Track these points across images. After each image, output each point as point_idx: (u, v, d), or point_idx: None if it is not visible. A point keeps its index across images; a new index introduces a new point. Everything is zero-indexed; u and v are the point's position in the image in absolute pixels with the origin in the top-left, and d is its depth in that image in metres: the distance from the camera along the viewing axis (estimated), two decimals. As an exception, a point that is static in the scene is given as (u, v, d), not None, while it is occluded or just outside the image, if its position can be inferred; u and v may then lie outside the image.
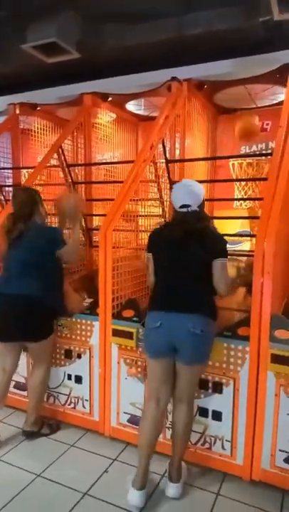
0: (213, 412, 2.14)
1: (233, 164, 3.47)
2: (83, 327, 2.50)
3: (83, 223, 3.31)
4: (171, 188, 2.90)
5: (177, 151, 3.09)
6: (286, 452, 1.98)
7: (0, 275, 2.42)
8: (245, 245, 3.28)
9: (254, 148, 3.59)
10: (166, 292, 2.00)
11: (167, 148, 2.90)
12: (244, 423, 2.05)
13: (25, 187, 2.65)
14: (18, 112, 3.73)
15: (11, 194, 3.72)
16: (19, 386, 2.75)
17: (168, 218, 3.02)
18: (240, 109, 3.52)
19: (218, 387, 2.11)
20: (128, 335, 2.28)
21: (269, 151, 3.34)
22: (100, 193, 3.44)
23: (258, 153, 3.53)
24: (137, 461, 1.99)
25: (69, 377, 2.58)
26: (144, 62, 3.51)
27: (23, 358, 2.63)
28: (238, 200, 3.45)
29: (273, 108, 3.33)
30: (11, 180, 3.96)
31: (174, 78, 2.98)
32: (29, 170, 3.52)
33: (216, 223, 3.41)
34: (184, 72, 3.16)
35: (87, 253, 3.42)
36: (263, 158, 3.37)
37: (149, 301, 2.07)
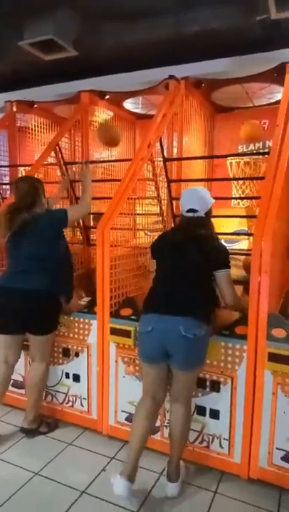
0: (211, 410, 2.15)
1: (231, 163, 3.47)
2: (81, 325, 2.50)
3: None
4: (168, 187, 2.91)
5: (175, 150, 3.09)
6: (283, 450, 1.99)
7: (7, 268, 2.40)
8: (243, 244, 3.28)
9: (251, 147, 3.59)
10: (160, 295, 1.99)
11: (165, 147, 2.89)
12: (242, 421, 2.06)
13: (27, 176, 2.63)
14: (15, 109, 3.72)
15: (7, 192, 3.72)
16: (17, 384, 2.74)
17: (165, 217, 3.02)
18: (237, 107, 3.52)
19: (215, 386, 2.12)
20: (126, 333, 2.28)
21: (266, 150, 3.34)
22: (98, 192, 3.43)
23: (255, 152, 3.53)
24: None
25: (67, 375, 2.59)
26: (142, 60, 3.50)
27: (22, 355, 2.62)
28: (236, 198, 3.45)
29: (271, 107, 3.34)
30: (8, 178, 3.94)
31: (171, 76, 2.97)
32: (26, 168, 3.50)
33: (214, 222, 3.44)
34: (181, 70, 3.15)
35: (85, 251, 3.42)
36: (261, 157, 3.37)
37: (143, 304, 2.07)
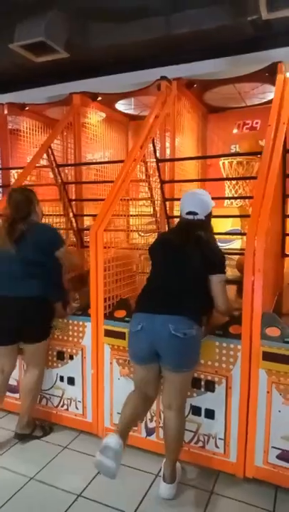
0: (206, 410, 2.15)
1: (224, 163, 3.48)
2: (75, 328, 2.49)
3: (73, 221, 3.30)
4: (161, 188, 2.91)
5: (167, 150, 3.09)
6: (279, 449, 1.99)
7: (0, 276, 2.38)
8: (237, 243, 3.29)
9: (244, 146, 3.60)
10: (152, 294, 1.98)
11: (157, 148, 2.89)
12: (237, 421, 2.06)
13: (20, 188, 2.64)
14: (6, 112, 3.70)
15: (0, 195, 3.70)
16: (11, 389, 2.72)
17: (159, 218, 3.02)
18: (230, 108, 3.53)
19: (210, 386, 2.12)
20: (120, 335, 2.28)
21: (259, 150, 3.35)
22: (91, 193, 3.42)
23: (248, 152, 3.54)
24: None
25: (61, 378, 2.57)
26: (134, 62, 3.51)
27: (16, 361, 2.60)
28: (229, 198, 3.46)
29: (263, 106, 3.35)
30: (0, 180, 3.92)
31: (163, 77, 2.97)
32: (18, 170, 3.49)
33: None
34: (173, 71, 3.17)
35: (79, 254, 3.41)
36: (253, 157, 3.38)
37: (135, 303, 2.06)
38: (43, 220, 2.85)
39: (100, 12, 3.09)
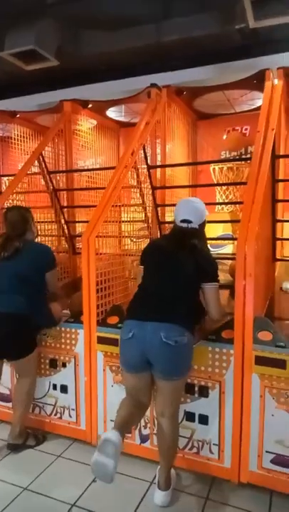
0: (200, 416, 2.15)
1: (214, 169, 3.51)
2: (68, 335, 2.48)
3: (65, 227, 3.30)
4: (153, 194, 2.92)
5: (158, 157, 3.11)
6: (273, 453, 1.99)
7: None
8: (228, 248, 3.31)
9: (234, 153, 3.64)
10: (144, 302, 1.97)
11: (148, 154, 2.91)
12: (231, 426, 2.06)
13: (16, 206, 2.68)
14: (-3, 119, 3.70)
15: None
16: (3, 398, 2.70)
17: (150, 223, 3.03)
18: (219, 114, 3.57)
19: (204, 391, 2.12)
20: (113, 342, 2.26)
21: (248, 156, 3.39)
22: (83, 200, 3.43)
23: (237, 157, 3.58)
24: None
25: (54, 387, 2.55)
26: (124, 69, 3.54)
27: (8, 369, 2.58)
28: (219, 204, 3.49)
29: (252, 113, 3.39)
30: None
31: (153, 85, 3.00)
32: (10, 177, 3.48)
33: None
34: (163, 78, 3.20)
35: (71, 260, 3.40)
36: (243, 162, 3.42)
37: (126, 310, 2.05)
38: (41, 239, 2.89)
39: (90, 20, 3.12)
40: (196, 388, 2.14)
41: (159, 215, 3.02)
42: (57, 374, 2.53)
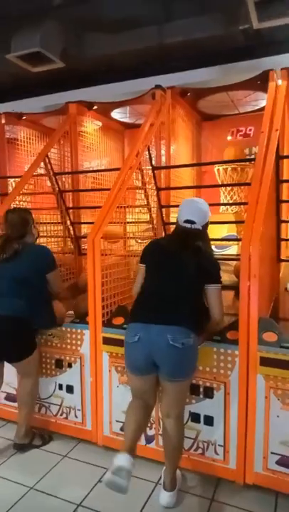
0: (205, 417, 2.15)
1: (218, 170, 3.52)
2: (73, 336, 2.50)
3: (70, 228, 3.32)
4: (157, 195, 2.93)
5: (163, 158, 3.12)
6: (278, 454, 1.99)
7: None
8: (233, 249, 3.31)
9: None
10: (149, 304, 1.95)
11: (153, 155, 2.92)
12: (236, 427, 2.06)
13: (17, 208, 2.68)
14: (3, 121, 3.74)
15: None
16: (10, 398, 2.72)
17: (155, 224, 3.04)
18: (223, 115, 3.57)
19: (209, 392, 2.12)
20: (119, 342, 2.27)
21: (253, 157, 3.39)
22: (88, 201, 3.45)
23: (241, 158, 3.58)
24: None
25: (60, 387, 2.57)
26: (128, 71, 3.55)
27: (14, 369, 2.60)
28: (224, 204, 3.49)
29: (256, 114, 3.39)
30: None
31: (157, 86, 3.01)
32: (16, 179, 3.51)
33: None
34: (167, 79, 3.21)
35: (77, 261, 3.42)
36: (247, 163, 3.41)
37: (130, 313, 2.04)
38: (41, 240, 2.88)
39: (94, 22, 3.14)
40: (201, 389, 2.14)
41: (164, 216, 3.03)
42: (63, 374, 2.55)
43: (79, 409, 2.51)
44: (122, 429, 2.34)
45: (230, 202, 3.46)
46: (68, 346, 2.52)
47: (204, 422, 2.15)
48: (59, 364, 2.55)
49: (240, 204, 3.39)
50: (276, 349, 1.93)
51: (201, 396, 2.14)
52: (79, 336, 2.48)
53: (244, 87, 2.96)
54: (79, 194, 3.43)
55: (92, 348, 2.41)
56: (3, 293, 2.28)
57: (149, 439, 2.29)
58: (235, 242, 3.19)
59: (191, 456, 2.20)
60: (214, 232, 3.16)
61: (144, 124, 2.89)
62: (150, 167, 2.88)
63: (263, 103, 3.14)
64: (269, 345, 1.94)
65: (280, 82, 2.70)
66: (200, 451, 2.18)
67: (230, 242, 3.25)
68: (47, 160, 3.14)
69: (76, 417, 2.52)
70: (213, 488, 2.12)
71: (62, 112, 3.46)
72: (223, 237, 3.22)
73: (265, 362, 1.94)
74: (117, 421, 2.38)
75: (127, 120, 3.90)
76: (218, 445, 2.13)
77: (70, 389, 2.53)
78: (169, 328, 1.82)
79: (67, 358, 2.52)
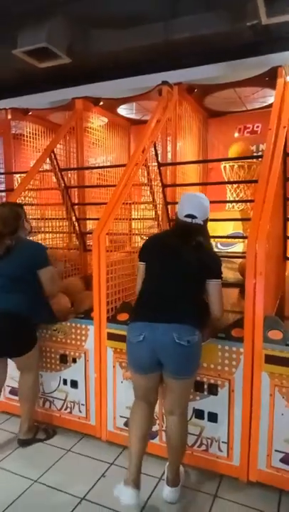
0: (209, 413, 2.15)
1: (225, 167, 3.50)
2: (78, 331, 2.50)
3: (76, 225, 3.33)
4: (163, 191, 2.93)
5: (169, 155, 3.11)
6: (282, 452, 1.99)
7: None
8: (239, 247, 3.31)
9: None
10: (151, 302, 1.92)
11: (159, 152, 2.92)
12: (240, 424, 2.06)
13: (8, 202, 2.64)
14: (9, 117, 3.74)
15: (4, 199, 3.73)
16: (15, 392, 2.73)
17: (161, 221, 3.03)
18: (230, 112, 3.55)
19: (213, 389, 2.12)
20: (123, 338, 2.25)
21: (260, 154, 3.37)
22: (93, 197, 3.45)
23: (248, 155, 3.56)
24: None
25: (64, 382, 2.58)
26: (135, 67, 3.54)
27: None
28: (230, 202, 3.48)
29: (263, 110, 3.37)
30: (3, 185, 3.96)
31: (164, 82, 3.00)
32: (22, 175, 3.52)
33: (209, 225, 3.45)
34: (174, 76, 3.20)
35: (82, 257, 3.43)
36: (254, 160, 3.40)
37: (132, 311, 2.02)
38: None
39: (101, 18, 3.13)
40: (206, 386, 2.14)
41: (170, 212, 3.02)
42: (67, 369, 2.56)
43: (83, 404, 2.52)
44: (125, 424, 2.35)
45: (237, 199, 3.45)
46: (73, 342, 2.53)
47: (208, 418, 2.15)
48: (63, 359, 2.56)
49: (246, 201, 3.37)
50: (281, 347, 1.92)
51: (206, 393, 2.15)
52: (83, 332, 2.48)
53: (252, 84, 2.94)
54: (84, 190, 3.43)
55: (96, 343, 2.41)
56: (1, 290, 2.25)
57: (153, 435, 2.29)
58: (241, 240, 3.18)
59: (195, 453, 2.20)
60: (220, 229, 3.16)
61: (151, 120, 2.89)
62: (156, 164, 2.88)
63: (270, 100, 3.12)
64: (274, 343, 1.94)
65: (288, 78, 2.68)
66: (204, 447, 2.18)
67: (236, 240, 3.24)
68: (53, 156, 3.14)
69: (80, 411, 2.54)
70: (216, 485, 2.13)
71: (69, 108, 3.46)
72: (228, 234, 3.21)
73: (270, 360, 1.94)
74: (121, 416, 2.38)
75: (133, 116, 3.89)
76: (222, 442, 2.13)
77: (74, 384, 2.54)
78: (174, 327, 1.81)
79: (72, 353, 2.53)
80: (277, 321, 2.02)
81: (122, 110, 3.75)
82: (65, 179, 3.28)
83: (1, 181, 4.02)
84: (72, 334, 2.52)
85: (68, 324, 2.52)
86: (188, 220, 2.00)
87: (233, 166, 3.44)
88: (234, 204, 3.50)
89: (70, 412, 2.57)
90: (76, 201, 3.39)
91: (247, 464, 2.07)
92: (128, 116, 3.89)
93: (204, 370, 2.12)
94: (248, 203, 3.33)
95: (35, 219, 2.80)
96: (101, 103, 3.49)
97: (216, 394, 2.12)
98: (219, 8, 2.89)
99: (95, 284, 2.37)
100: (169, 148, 3.10)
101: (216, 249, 3.35)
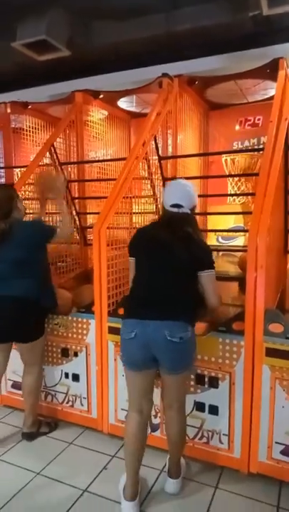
0: (210, 406, 2.16)
1: (226, 160, 3.48)
2: (79, 325, 2.51)
3: (76, 219, 3.32)
4: (164, 185, 2.91)
5: (169, 148, 3.09)
6: (282, 444, 2.00)
7: None
8: (240, 240, 3.30)
9: (246, 143, 3.60)
10: (141, 298, 1.88)
11: (159, 145, 2.90)
12: (240, 417, 2.08)
13: (0, 184, 2.60)
14: (9, 110, 3.72)
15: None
16: (17, 386, 2.75)
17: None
18: (231, 104, 3.53)
19: (214, 382, 2.13)
20: (124, 332, 2.29)
21: (261, 147, 3.35)
22: (94, 191, 3.44)
23: (250, 148, 3.54)
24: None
25: (66, 375, 2.59)
26: (135, 59, 3.51)
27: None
28: (231, 195, 3.47)
29: (264, 103, 3.34)
30: (3, 180, 3.94)
31: (165, 74, 2.97)
32: (22, 169, 3.51)
33: (210, 219, 3.45)
34: (174, 68, 3.17)
35: (82, 251, 3.43)
36: (256, 153, 3.38)
37: (124, 307, 2.00)
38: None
39: (100, 10, 3.10)
40: (206, 379, 2.15)
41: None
42: (69, 363, 2.57)
43: (85, 398, 2.54)
44: (126, 417, 2.36)
45: (237, 192, 3.44)
46: (74, 335, 2.53)
47: (209, 411, 2.17)
48: (65, 353, 2.58)
49: (247, 195, 3.36)
50: (282, 340, 1.92)
51: (206, 386, 2.16)
52: (85, 326, 2.49)
53: (253, 76, 2.91)
54: (85, 184, 3.42)
55: (97, 337, 2.42)
56: (5, 276, 2.23)
57: (154, 428, 2.31)
58: (242, 234, 3.17)
59: (196, 445, 2.22)
60: (221, 223, 3.15)
61: (151, 113, 2.86)
62: (156, 157, 2.86)
63: (272, 92, 3.09)
64: (275, 336, 1.94)
65: (289, 70, 2.66)
66: (204, 440, 2.20)
67: (237, 234, 3.23)
68: (53, 150, 3.13)
69: (82, 405, 2.55)
70: (217, 477, 2.14)
71: (68, 101, 3.43)
72: (229, 228, 3.21)
73: (270, 353, 1.95)
74: (122, 409, 2.40)
75: (133, 109, 3.86)
76: (223, 434, 2.14)
77: (76, 377, 2.56)
78: (166, 324, 1.77)
79: (73, 347, 2.54)
80: (278, 314, 2.02)
81: (122, 103, 3.72)
82: (65, 173, 3.26)
83: (1, 175, 4.00)
84: (74, 328, 2.53)
85: (70, 318, 2.53)
86: (175, 209, 1.92)
87: (234, 159, 3.42)
88: (235, 197, 3.49)
89: (72, 406, 2.59)
90: (76, 195, 3.38)
91: (248, 456, 2.08)
92: (128, 109, 3.86)
93: (205, 363, 2.13)
94: (249, 197, 3.32)
95: (34, 213, 2.79)
96: (101, 96, 3.46)
97: (216, 387, 2.13)
98: (221, -2, 2.86)
99: (95, 278, 2.37)
100: (169, 141, 3.08)
101: (216, 243, 3.35)
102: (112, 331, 2.34)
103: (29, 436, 2.48)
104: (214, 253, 3.10)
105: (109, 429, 2.47)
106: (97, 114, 3.61)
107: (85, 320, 2.49)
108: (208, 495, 2.03)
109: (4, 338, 2.37)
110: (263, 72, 2.83)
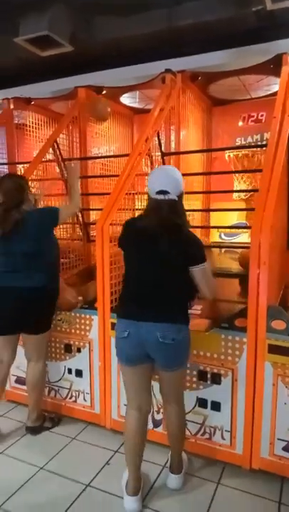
0: (212, 402, 2.17)
1: (229, 156, 3.47)
2: (82, 321, 2.52)
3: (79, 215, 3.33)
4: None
5: (172, 144, 3.08)
6: (284, 441, 2.01)
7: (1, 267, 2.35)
8: (243, 237, 3.29)
9: (249, 139, 3.58)
10: (134, 294, 1.86)
11: (162, 141, 2.89)
12: (243, 413, 2.08)
13: (12, 174, 2.61)
14: (12, 106, 3.70)
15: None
16: (21, 381, 2.77)
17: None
18: (234, 100, 3.50)
19: (216, 378, 2.14)
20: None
21: (264, 143, 3.33)
22: (97, 187, 3.44)
23: (253, 144, 3.53)
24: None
25: (69, 371, 2.61)
26: (138, 55, 3.49)
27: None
28: (232, 192, 3.45)
29: (268, 99, 3.32)
30: (6, 176, 3.94)
31: (168, 70, 2.96)
32: (25, 165, 3.50)
33: (213, 215, 3.44)
34: (177, 63, 3.14)
35: (85, 248, 3.43)
36: (259, 149, 3.36)
37: (117, 305, 1.98)
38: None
39: (103, 6, 3.07)
40: (209, 375, 2.16)
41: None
42: (72, 359, 2.59)
43: (88, 393, 2.55)
44: (125, 414, 2.37)
45: (240, 189, 3.43)
46: (77, 331, 2.54)
47: (211, 407, 2.17)
48: (68, 349, 2.59)
49: (249, 191, 3.35)
50: (285, 337, 1.93)
51: (209, 382, 2.16)
52: (88, 322, 2.50)
53: (256, 71, 2.90)
54: (87, 180, 3.42)
55: (100, 333, 2.43)
56: (19, 268, 2.26)
57: (157, 423, 2.32)
58: (245, 230, 3.17)
59: (198, 441, 2.23)
60: (224, 219, 3.14)
61: (154, 109, 2.85)
62: (160, 153, 2.85)
63: (275, 88, 3.07)
64: (278, 333, 1.94)
65: (293, 65, 2.64)
66: (207, 436, 2.20)
67: (240, 230, 3.22)
68: (56, 146, 3.12)
69: (85, 400, 2.57)
70: (219, 473, 2.16)
71: (71, 97, 3.42)
72: (232, 224, 3.20)
73: (273, 349, 1.95)
74: (124, 405, 2.39)
75: (136, 105, 3.85)
76: (225, 430, 2.15)
77: (79, 373, 2.57)
78: (159, 326, 1.75)
79: (76, 342, 2.55)
80: (281, 311, 2.02)
81: (125, 99, 3.71)
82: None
83: (4, 171, 4.00)
84: (77, 324, 2.54)
85: (73, 314, 2.54)
86: (160, 196, 1.80)
87: (238, 155, 3.40)
88: (239, 194, 3.47)
89: (75, 401, 2.61)
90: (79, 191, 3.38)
91: (250, 452, 2.09)
92: (131, 105, 3.85)
93: (208, 359, 2.13)
94: (253, 193, 3.31)
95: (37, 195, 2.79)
96: (104, 92, 3.45)
97: (219, 383, 2.13)
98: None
99: (98, 274, 2.37)
100: (172, 137, 3.07)
101: (219, 240, 3.34)
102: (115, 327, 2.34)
103: (33, 430, 2.50)
104: (216, 250, 3.11)
105: (111, 424, 2.48)
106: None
107: (88, 316, 2.50)
108: (210, 490, 2.04)
109: (14, 328, 2.39)
110: (267, 68, 2.81)
